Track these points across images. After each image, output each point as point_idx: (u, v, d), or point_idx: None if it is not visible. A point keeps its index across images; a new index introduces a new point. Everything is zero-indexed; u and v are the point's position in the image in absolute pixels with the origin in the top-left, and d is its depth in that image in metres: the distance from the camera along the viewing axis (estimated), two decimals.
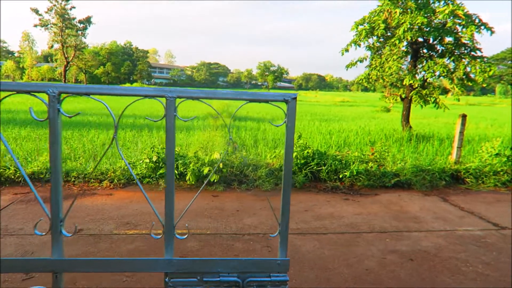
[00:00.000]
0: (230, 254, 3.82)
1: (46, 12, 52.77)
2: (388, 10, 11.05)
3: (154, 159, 6.37)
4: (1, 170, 6.10)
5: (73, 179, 6.21)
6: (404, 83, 11.43)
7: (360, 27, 11.68)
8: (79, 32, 54.93)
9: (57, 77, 66.42)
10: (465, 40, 10.73)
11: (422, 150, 9.13)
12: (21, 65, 79.12)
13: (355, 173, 6.59)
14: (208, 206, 5.31)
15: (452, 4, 10.43)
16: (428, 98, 11.62)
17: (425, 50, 11.84)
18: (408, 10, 10.75)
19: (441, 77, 11.45)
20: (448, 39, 11.20)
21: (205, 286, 1.50)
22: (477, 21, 10.42)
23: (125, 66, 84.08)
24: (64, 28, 53.00)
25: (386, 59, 11.51)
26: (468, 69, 10.89)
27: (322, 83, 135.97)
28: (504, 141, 8.40)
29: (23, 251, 3.71)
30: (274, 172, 6.60)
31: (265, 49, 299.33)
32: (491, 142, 7.93)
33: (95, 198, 5.52)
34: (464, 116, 7.75)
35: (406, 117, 12.31)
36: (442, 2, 10.91)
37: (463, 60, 10.94)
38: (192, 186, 6.23)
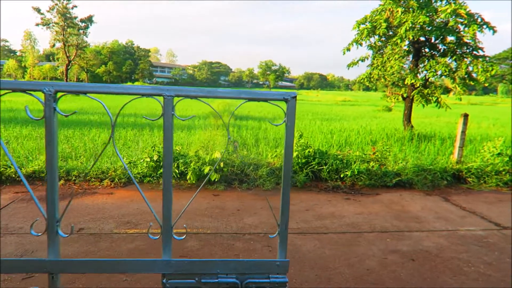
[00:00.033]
0: (230, 254, 3.80)
1: (48, 11, 52.83)
2: (390, 9, 11.01)
3: (155, 158, 6.36)
4: (2, 169, 6.09)
5: (73, 178, 6.20)
6: (405, 83, 11.39)
7: (362, 26, 11.64)
8: (81, 31, 54.98)
9: (59, 76, 66.48)
10: (467, 39, 10.69)
11: (423, 150, 9.10)
12: (23, 64, 79.20)
13: (356, 173, 6.57)
14: (209, 205, 5.30)
15: (454, 3, 10.39)
16: (430, 98, 11.58)
17: (427, 49, 11.80)
18: (410, 9, 10.71)
19: (443, 77, 11.40)
20: (450, 38, 11.16)
21: (203, 287, 1.48)
22: (479, 20, 10.38)
23: (126, 65, 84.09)
24: (66, 27, 53.05)
25: (387, 58, 11.49)
26: (470, 68, 10.86)
27: (323, 82, 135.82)
28: (506, 140, 8.35)
29: (23, 250, 3.71)
30: (275, 172, 6.58)
31: (265, 49, 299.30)
32: (493, 141, 7.89)
33: (96, 197, 5.51)
34: (466, 116, 7.72)
35: (407, 117, 12.28)
36: (444, 1, 10.88)
37: (465, 59, 10.90)
38: (192, 186, 6.22)
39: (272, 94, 1.47)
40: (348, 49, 11.90)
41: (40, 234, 1.44)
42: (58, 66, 65.14)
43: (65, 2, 52.78)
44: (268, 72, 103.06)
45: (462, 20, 10.34)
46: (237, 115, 16.95)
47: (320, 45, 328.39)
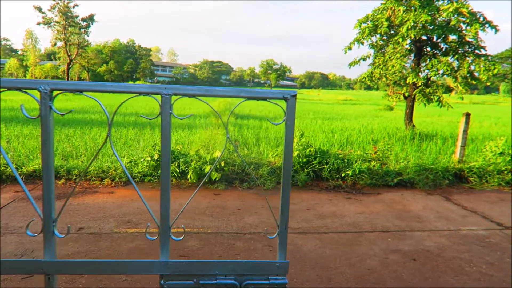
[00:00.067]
0: (231, 253, 3.78)
1: (49, 10, 52.77)
2: (391, 8, 10.97)
3: (156, 157, 6.34)
4: (2, 168, 6.09)
5: (74, 177, 6.19)
6: (407, 82, 11.36)
7: (363, 25, 11.61)
8: (82, 30, 54.93)
9: (60, 75, 66.49)
10: (469, 38, 10.63)
11: (425, 149, 9.07)
12: (24, 63, 79.26)
13: (357, 172, 6.55)
14: (210, 204, 5.28)
15: (456, 2, 10.34)
16: (432, 97, 11.54)
17: (428, 48, 11.76)
18: (412, 8, 10.66)
19: (445, 76, 11.36)
20: (452, 37, 11.11)
21: None
22: (481, 19, 10.32)
23: (128, 64, 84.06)
24: (67, 26, 53.00)
25: (389, 57, 11.45)
26: (472, 67, 10.82)
27: (325, 82, 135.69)
28: (508, 140, 8.32)
29: (23, 249, 3.69)
30: (276, 171, 6.56)
31: (266, 49, 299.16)
32: (495, 141, 7.86)
33: (96, 196, 5.50)
34: (468, 115, 7.69)
35: (409, 116, 12.24)
36: (446, 0, 10.82)
37: (467, 58, 10.86)
38: (193, 185, 6.21)
39: (272, 93, 1.45)
40: (350, 48, 11.87)
41: (36, 234, 1.42)
42: (59, 65, 65.12)
43: (66, 1, 52.73)
44: (270, 71, 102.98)
45: (464, 19, 10.29)
46: (238, 114, 16.93)
47: (321, 45, 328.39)
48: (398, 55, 11.11)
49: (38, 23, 53.25)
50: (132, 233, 4.21)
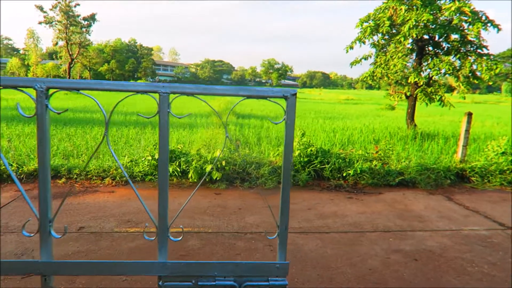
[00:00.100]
0: (231, 253, 3.76)
1: (51, 9, 52.85)
2: (393, 7, 10.92)
3: (157, 156, 6.33)
4: (3, 167, 6.08)
5: (75, 176, 6.18)
6: (409, 81, 11.31)
7: (365, 24, 11.57)
8: (84, 30, 54.99)
9: (62, 74, 66.53)
10: (471, 37, 10.57)
11: (427, 149, 9.03)
12: (26, 62, 79.33)
13: (359, 172, 6.52)
14: (210, 204, 5.27)
15: (458, 1, 10.28)
16: (434, 96, 11.50)
17: (430, 48, 11.71)
18: (414, 7, 10.62)
19: (447, 75, 11.32)
20: (454, 36, 11.06)
21: None
22: (483, 18, 10.27)
23: (129, 64, 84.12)
24: (68, 25, 53.06)
25: (391, 57, 11.41)
26: (474, 66, 10.75)
27: (326, 81, 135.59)
28: (510, 139, 8.27)
29: (23, 248, 3.69)
30: (277, 170, 6.54)
31: (266, 48, 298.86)
32: (497, 140, 7.82)
33: (97, 196, 5.49)
34: (470, 114, 7.65)
35: (411, 115, 12.20)
36: None
37: (469, 57, 10.80)
38: (194, 184, 6.19)
39: (272, 91, 1.43)
40: (351, 47, 11.83)
41: (32, 234, 1.40)
42: (61, 65, 65.11)
43: (67, 0, 52.81)
44: (271, 71, 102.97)
45: (466, 18, 10.23)
46: (239, 114, 16.90)
47: (322, 44, 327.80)
48: (400, 54, 11.07)
49: (40, 22, 53.35)
50: (132, 232, 4.20)
